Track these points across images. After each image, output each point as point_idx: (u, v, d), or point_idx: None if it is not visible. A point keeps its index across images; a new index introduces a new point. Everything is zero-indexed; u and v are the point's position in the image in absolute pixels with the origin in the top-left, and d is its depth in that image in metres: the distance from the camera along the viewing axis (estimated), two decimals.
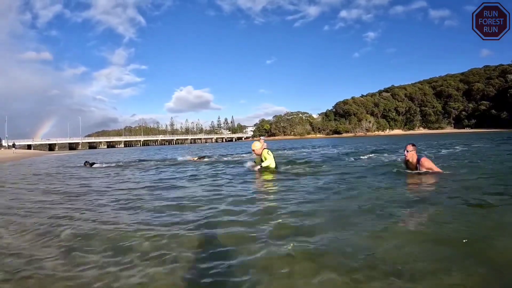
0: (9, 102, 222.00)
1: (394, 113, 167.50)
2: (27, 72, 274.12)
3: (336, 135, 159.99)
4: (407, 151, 8.15)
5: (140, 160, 22.75)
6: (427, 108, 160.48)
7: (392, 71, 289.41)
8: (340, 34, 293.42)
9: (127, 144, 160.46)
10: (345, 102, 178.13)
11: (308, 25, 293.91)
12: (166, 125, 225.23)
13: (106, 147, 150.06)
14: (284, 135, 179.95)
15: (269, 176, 9.79)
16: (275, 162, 10.91)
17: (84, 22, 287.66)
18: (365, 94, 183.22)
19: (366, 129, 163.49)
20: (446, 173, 8.46)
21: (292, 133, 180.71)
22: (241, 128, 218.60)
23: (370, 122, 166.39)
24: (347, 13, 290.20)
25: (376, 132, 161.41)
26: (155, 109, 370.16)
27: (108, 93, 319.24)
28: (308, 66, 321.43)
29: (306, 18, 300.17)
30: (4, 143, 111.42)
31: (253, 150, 11.00)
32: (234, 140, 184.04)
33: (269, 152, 10.80)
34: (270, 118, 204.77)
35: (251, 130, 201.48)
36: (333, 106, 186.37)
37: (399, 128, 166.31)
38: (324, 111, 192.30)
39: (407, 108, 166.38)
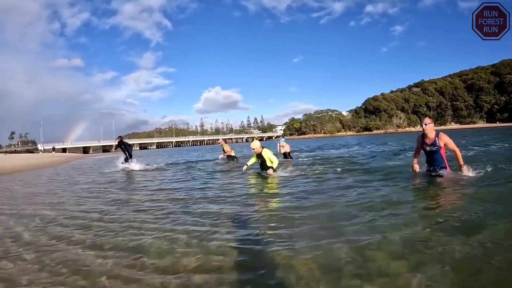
0: (42, 108, 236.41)
1: (424, 109, 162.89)
2: (58, 79, 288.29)
3: (367, 132, 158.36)
4: (426, 124, 7.77)
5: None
6: (458, 103, 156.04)
7: (421, 65, 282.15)
8: (367, 29, 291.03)
9: (159, 145, 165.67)
10: (374, 98, 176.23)
11: (333, 21, 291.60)
12: (196, 126, 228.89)
13: (138, 148, 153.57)
14: (314, 133, 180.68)
15: None
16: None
17: (111, 28, 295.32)
18: (394, 89, 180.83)
19: (397, 126, 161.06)
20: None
21: (322, 131, 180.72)
22: (270, 127, 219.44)
23: (400, 118, 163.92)
24: (372, 8, 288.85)
25: (407, 128, 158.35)
26: (184, 111, 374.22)
27: (137, 96, 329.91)
28: (336, 63, 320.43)
29: (331, 14, 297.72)
30: (40, 147, 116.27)
31: (253, 149, 11.45)
32: (264, 139, 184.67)
33: (268, 151, 11.39)
34: (299, 116, 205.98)
35: (281, 129, 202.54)
36: (362, 103, 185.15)
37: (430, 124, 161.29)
38: (353, 108, 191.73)
39: (438, 103, 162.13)
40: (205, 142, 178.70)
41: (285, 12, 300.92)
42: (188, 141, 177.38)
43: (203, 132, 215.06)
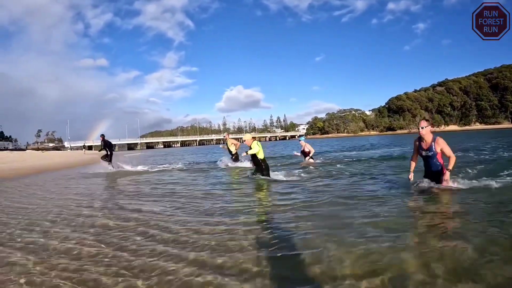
0: (67, 107, 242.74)
1: (449, 108, 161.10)
2: (82, 78, 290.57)
3: (390, 132, 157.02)
4: (422, 128, 7.22)
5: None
6: (483, 102, 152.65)
7: (444, 63, 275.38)
8: (389, 27, 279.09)
9: (183, 143, 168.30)
10: (398, 97, 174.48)
11: (355, 19, 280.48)
12: (219, 125, 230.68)
13: (162, 146, 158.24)
14: (337, 132, 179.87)
15: None
16: (263, 153, 11.84)
17: (134, 28, 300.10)
18: (418, 88, 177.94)
19: None
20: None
21: (345, 130, 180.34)
22: (293, 127, 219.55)
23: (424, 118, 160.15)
24: (395, 5, 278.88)
25: (431, 129, 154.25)
26: (207, 109, 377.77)
27: (160, 95, 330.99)
28: (358, 61, 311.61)
29: (353, 12, 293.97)
30: (66, 144, 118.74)
31: (244, 141, 11.98)
32: (287, 138, 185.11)
33: (258, 143, 11.79)
34: (321, 115, 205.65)
35: (303, 128, 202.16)
36: (386, 102, 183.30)
37: (454, 124, 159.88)
38: (376, 107, 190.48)
39: (462, 102, 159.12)
40: None
41: (307, 11, 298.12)
42: (212, 139, 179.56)
43: (226, 131, 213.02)
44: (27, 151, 62.25)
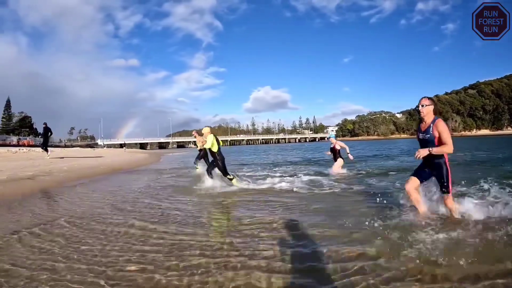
0: (97, 105, 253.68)
1: (481, 112, 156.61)
2: (112, 78, 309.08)
3: None
4: (422, 106, 6.08)
5: None
6: None
7: (475, 65, 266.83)
8: (418, 27, 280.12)
9: None
10: None
11: (384, 20, 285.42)
12: (247, 125, 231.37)
13: (193, 146, 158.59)
14: (367, 135, 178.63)
15: None
16: (218, 146, 11.40)
17: (164, 29, 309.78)
18: (449, 91, 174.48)
19: (452, 129, 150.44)
20: None
21: (375, 133, 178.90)
22: (322, 128, 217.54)
23: (456, 121, 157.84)
24: (423, 5, 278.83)
25: (463, 132, 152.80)
26: (234, 110, 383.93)
27: (188, 95, 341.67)
28: (387, 62, 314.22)
29: (382, 13, 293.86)
30: (99, 142, 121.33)
31: (203, 132, 11.79)
32: (317, 140, 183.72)
33: (214, 138, 11.31)
34: (348, 117, 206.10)
35: (332, 130, 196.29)
36: (417, 105, 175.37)
37: (486, 128, 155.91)
38: (405, 109, 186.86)
39: (494, 106, 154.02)
40: (259, 141, 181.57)
41: (335, 12, 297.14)
42: (243, 140, 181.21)
43: (254, 131, 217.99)
44: (74, 148, 63.86)
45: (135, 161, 26.97)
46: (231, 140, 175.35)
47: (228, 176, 11.30)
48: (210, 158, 12.44)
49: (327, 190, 9.56)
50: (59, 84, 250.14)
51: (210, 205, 8.23)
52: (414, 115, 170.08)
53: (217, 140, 11.43)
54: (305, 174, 13.77)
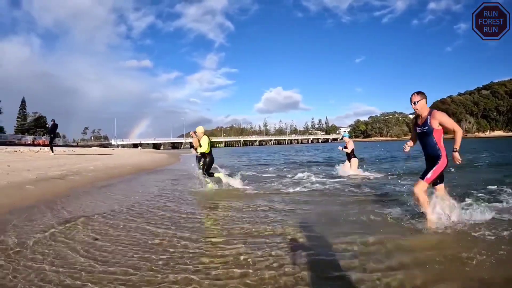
0: (110, 106, 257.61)
1: (495, 113, 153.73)
2: (125, 79, 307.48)
3: None
4: (414, 103, 5.90)
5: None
6: None
7: (489, 65, 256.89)
8: (430, 27, 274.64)
9: (228, 144, 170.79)
10: (442, 101, 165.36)
11: (396, 20, 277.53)
12: (259, 126, 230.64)
13: None
14: (380, 136, 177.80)
15: None
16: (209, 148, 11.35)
17: (176, 30, 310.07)
18: (462, 92, 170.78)
19: (466, 130, 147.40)
20: None
21: (388, 134, 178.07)
22: (334, 129, 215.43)
23: (470, 122, 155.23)
24: (435, 5, 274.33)
25: (476, 134, 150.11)
26: (246, 110, 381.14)
27: (200, 95, 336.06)
28: (399, 63, 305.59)
29: (394, 13, 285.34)
30: (113, 142, 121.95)
31: (196, 133, 11.82)
32: (329, 141, 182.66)
33: (207, 140, 11.26)
34: (360, 118, 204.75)
35: (344, 131, 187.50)
36: (430, 106, 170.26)
37: (500, 129, 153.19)
38: None
39: (508, 107, 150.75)
40: (272, 142, 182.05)
41: (347, 12, 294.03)
42: (256, 140, 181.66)
43: (266, 132, 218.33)
44: (92, 148, 64.22)
45: (157, 161, 27.01)
46: (244, 140, 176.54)
47: (207, 179, 11.19)
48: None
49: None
50: (72, 85, 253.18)
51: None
52: None
53: (210, 141, 11.35)
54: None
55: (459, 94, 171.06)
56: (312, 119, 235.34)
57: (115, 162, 21.63)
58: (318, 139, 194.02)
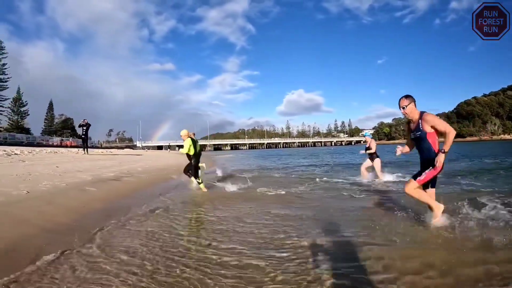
0: (132, 108, 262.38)
1: None
2: (148, 82, 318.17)
3: (460, 139, 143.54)
4: (403, 108, 5.64)
5: None
6: None
7: None
8: (452, 27, 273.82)
9: (251, 146, 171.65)
10: (467, 102, 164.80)
11: (417, 20, 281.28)
12: (282, 128, 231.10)
13: (230, 148, 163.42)
14: (404, 138, 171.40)
15: None
16: (197, 149, 11.51)
17: (197, 34, 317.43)
18: (487, 93, 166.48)
19: (491, 132, 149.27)
20: None
21: None
22: (358, 131, 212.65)
23: (495, 124, 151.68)
24: (457, 4, 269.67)
25: (502, 136, 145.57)
26: (268, 113, 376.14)
27: (222, 98, 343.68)
28: (421, 64, 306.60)
29: (415, 13, 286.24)
30: (138, 144, 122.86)
31: (181, 136, 11.59)
32: (353, 143, 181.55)
33: (191, 141, 11.28)
34: (383, 120, 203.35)
35: (366, 130, 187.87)
36: (454, 107, 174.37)
37: None
38: (442, 112, 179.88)
39: None
40: (296, 144, 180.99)
41: (367, 13, 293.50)
42: (279, 143, 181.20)
43: (289, 134, 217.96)
44: (125, 150, 64.94)
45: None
46: (268, 143, 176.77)
47: (197, 180, 11.25)
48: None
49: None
50: (96, 88, 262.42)
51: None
52: (452, 118, 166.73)
53: (195, 144, 11.41)
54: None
55: (484, 95, 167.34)
56: (335, 121, 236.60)
57: (158, 164, 21.27)
58: (341, 141, 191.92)
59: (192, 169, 11.46)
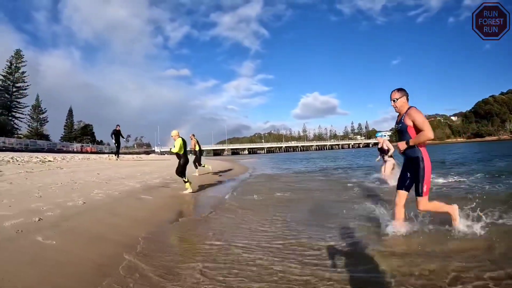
0: (151, 114, 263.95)
1: None
2: (164, 87, 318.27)
3: (478, 139, 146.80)
4: (394, 100, 5.48)
5: None
6: None
7: None
8: (467, 25, 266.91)
9: (269, 150, 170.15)
10: (485, 101, 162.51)
11: (431, 19, 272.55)
12: (299, 132, 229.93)
13: (247, 153, 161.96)
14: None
15: None
16: (184, 150, 11.44)
17: (211, 39, 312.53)
18: (504, 91, 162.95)
19: (510, 131, 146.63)
20: None
21: None
22: (375, 133, 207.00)
23: None
24: (471, 0, 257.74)
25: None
26: (283, 116, 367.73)
27: (238, 102, 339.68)
28: (437, 63, 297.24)
29: (428, 11, 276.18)
30: (156, 149, 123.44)
31: (172, 136, 11.63)
32: (370, 145, 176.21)
33: (182, 141, 11.37)
34: None
35: (384, 135, 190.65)
36: (472, 107, 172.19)
37: None
38: (459, 111, 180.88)
39: None
40: (313, 148, 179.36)
41: (381, 13, 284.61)
42: (297, 146, 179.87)
43: (305, 138, 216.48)
44: (151, 155, 65.25)
45: (226, 168, 25.73)
46: (285, 146, 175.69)
47: (184, 179, 11.24)
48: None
49: None
50: (113, 94, 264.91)
51: None
52: (470, 117, 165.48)
53: (185, 144, 11.55)
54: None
55: (502, 93, 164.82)
56: (352, 123, 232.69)
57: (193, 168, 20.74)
58: (358, 144, 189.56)
59: (179, 169, 11.25)
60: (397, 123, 5.47)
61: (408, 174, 5.32)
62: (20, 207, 6.18)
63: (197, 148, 17.53)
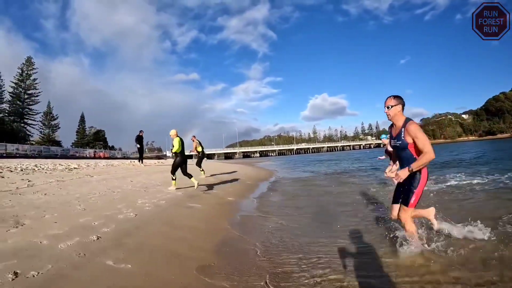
0: (161, 118, 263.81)
1: None
2: (173, 92, 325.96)
3: (490, 137, 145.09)
4: (388, 107, 4.99)
5: None
6: None
7: None
8: None
9: (280, 152, 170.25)
10: (496, 98, 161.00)
11: (439, 16, 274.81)
12: (309, 134, 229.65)
13: (259, 155, 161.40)
14: (433, 139, 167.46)
15: None
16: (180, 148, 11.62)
17: (219, 43, 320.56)
18: None
19: None
20: None
21: (442, 136, 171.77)
22: (385, 133, 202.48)
23: None
24: None
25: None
26: (292, 118, 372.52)
27: (247, 105, 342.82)
28: (446, 61, 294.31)
29: (436, 9, 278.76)
30: (168, 153, 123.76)
31: (170, 135, 11.92)
32: (382, 145, 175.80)
33: (178, 140, 11.59)
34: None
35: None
36: (483, 104, 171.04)
37: None
38: (470, 109, 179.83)
39: None
40: (324, 149, 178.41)
41: (388, 12, 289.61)
42: (308, 148, 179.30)
43: (316, 139, 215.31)
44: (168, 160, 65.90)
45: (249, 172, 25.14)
46: (296, 148, 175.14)
47: (172, 177, 11.40)
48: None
49: None
50: (123, 99, 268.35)
51: None
52: (481, 115, 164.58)
53: (182, 143, 11.81)
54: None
55: None
56: (362, 124, 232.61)
57: (222, 170, 21.23)
58: (369, 144, 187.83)
59: (175, 166, 11.48)
60: (393, 138, 5.04)
61: (401, 188, 5.04)
62: (68, 223, 5.54)
63: (199, 150, 17.39)
